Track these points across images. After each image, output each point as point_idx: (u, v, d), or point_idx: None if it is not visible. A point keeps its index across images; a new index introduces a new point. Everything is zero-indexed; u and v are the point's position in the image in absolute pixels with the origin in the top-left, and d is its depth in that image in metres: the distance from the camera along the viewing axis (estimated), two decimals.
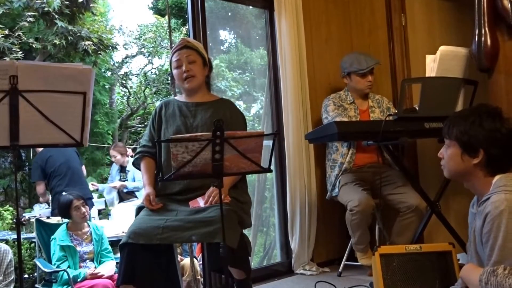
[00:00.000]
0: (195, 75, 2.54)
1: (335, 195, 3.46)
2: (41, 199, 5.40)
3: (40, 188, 5.07)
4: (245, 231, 2.53)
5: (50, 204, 5.11)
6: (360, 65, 3.47)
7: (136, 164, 2.69)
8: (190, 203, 2.42)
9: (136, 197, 5.90)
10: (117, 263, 3.46)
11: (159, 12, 11.62)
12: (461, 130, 1.84)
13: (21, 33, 7.39)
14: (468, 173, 1.86)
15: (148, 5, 11.95)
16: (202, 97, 2.63)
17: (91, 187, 6.28)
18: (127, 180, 6.05)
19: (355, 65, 3.49)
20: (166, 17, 10.88)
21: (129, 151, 6.67)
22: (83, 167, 5.38)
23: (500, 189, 1.75)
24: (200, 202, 2.39)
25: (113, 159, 6.30)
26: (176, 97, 2.74)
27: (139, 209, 2.49)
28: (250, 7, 4.09)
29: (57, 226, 3.68)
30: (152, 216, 2.34)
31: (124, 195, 5.98)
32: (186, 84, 2.55)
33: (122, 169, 6.17)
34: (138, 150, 2.68)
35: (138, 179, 6.03)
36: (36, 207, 5.92)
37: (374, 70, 3.55)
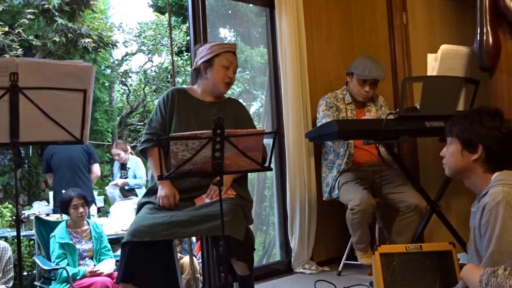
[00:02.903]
0: (232, 84, 2.62)
1: (336, 197, 3.44)
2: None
3: (50, 178, 5.23)
4: None
5: (51, 202, 5.11)
6: (363, 71, 3.41)
7: (143, 152, 2.56)
8: (195, 201, 2.43)
9: (136, 195, 5.89)
10: (116, 261, 3.46)
11: (159, 9, 11.59)
12: (461, 127, 1.91)
13: (21, 30, 7.36)
14: (468, 170, 1.91)
15: (148, 3, 11.93)
16: (214, 98, 2.65)
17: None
18: (127, 177, 6.04)
19: (359, 69, 3.44)
20: (166, 14, 10.84)
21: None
22: (97, 166, 5.26)
23: (497, 183, 1.79)
24: (206, 199, 2.40)
25: (116, 158, 6.20)
26: (187, 89, 2.70)
27: (141, 205, 2.49)
28: (251, 5, 4.07)
29: (56, 223, 3.69)
30: (155, 214, 2.33)
31: (125, 192, 5.97)
32: (224, 88, 2.58)
33: (123, 166, 6.15)
34: (147, 137, 2.54)
35: (139, 176, 6.01)
36: (36, 204, 5.93)
37: (377, 85, 3.50)
